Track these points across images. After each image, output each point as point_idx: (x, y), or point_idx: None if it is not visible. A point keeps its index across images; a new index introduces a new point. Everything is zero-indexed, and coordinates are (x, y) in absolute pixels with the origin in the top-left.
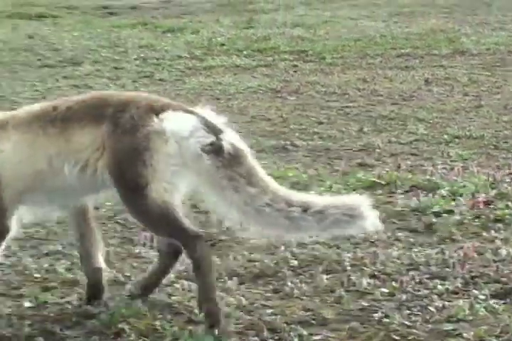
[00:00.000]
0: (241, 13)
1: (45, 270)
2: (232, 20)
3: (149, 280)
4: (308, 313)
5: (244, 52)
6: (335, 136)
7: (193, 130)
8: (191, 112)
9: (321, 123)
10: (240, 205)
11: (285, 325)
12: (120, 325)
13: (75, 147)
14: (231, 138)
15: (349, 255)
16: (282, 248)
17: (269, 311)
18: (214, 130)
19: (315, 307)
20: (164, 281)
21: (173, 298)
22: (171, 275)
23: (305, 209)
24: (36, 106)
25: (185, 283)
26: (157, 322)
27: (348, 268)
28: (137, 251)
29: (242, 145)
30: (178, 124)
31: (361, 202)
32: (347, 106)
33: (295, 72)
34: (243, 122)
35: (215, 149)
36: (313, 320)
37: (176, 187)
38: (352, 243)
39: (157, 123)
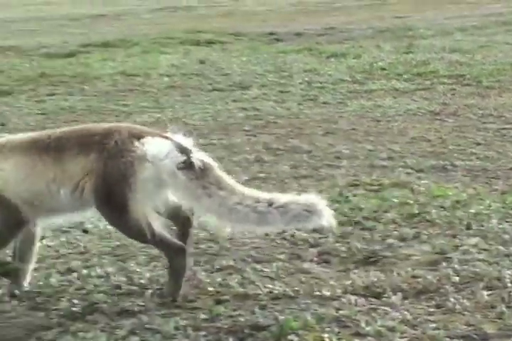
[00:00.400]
0: (400, 39)
1: (218, 284)
2: (392, 45)
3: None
4: (470, 328)
5: (404, 76)
6: (492, 156)
7: (168, 152)
8: (165, 137)
9: (478, 144)
10: (215, 208)
11: (448, 339)
12: (290, 337)
13: (68, 174)
14: (199, 156)
15: (509, 272)
16: (444, 264)
17: (432, 325)
18: (185, 150)
19: (476, 323)
20: (331, 295)
21: (340, 311)
22: (339, 291)
23: (270, 203)
24: (30, 135)
25: (352, 297)
26: (325, 335)
27: (509, 284)
28: (305, 266)
29: (209, 160)
30: (156, 148)
31: (319, 201)
32: (503, 128)
33: (453, 95)
34: (403, 143)
35: (188, 166)
36: (475, 335)
37: (155, 203)
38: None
39: (139, 147)
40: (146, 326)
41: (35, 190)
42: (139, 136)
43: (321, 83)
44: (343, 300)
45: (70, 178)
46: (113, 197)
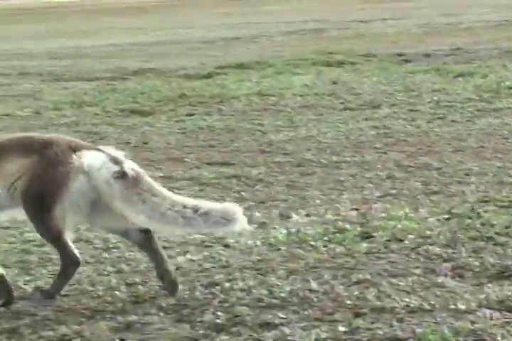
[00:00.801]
0: None
1: (356, 297)
2: None
3: (158, 270)
4: None
5: None
6: None
7: (103, 163)
8: (99, 150)
9: None
10: (148, 212)
11: None
12: None
13: (6, 173)
14: (131, 165)
15: None
16: None
17: None
18: (118, 161)
19: None
20: (466, 309)
21: (475, 325)
22: (474, 304)
23: (195, 210)
24: None
25: (487, 311)
26: None
27: None
28: (439, 280)
29: (139, 169)
30: (92, 160)
31: (237, 209)
32: None
33: None
34: None
35: (121, 175)
36: None
37: (78, 215)
38: None
39: (76, 159)
40: (288, 338)
41: None
42: (75, 149)
43: (449, 102)
44: (478, 313)
45: (5, 178)
46: (41, 200)
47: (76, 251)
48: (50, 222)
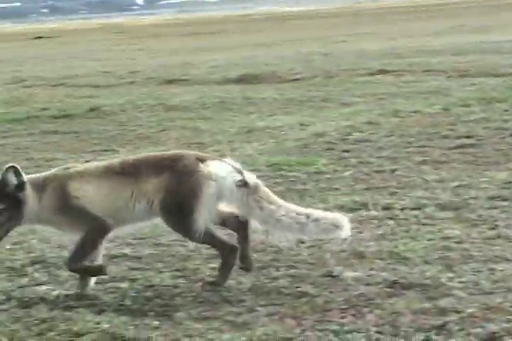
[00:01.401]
0: None
1: None
2: None
3: (242, 252)
4: None
5: None
6: None
7: (228, 172)
8: (222, 160)
9: None
10: (265, 218)
11: None
12: None
13: (143, 191)
14: (249, 175)
15: None
16: None
17: None
18: (240, 171)
19: None
20: None
21: None
22: None
23: (308, 216)
24: (102, 164)
25: None
26: None
27: None
28: None
29: (256, 179)
30: (218, 169)
31: (344, 218)
32: None
33: None
34: None
35: (243, 183)
36: None
37: (213, 213)
38: None
39: (204, 168)
40: None
41: (116, 207)
42: (201, 160)
43: None
44: None
45: (144, 195)
46: (180, 207)
47: (226, 239)
48: (194, 226)
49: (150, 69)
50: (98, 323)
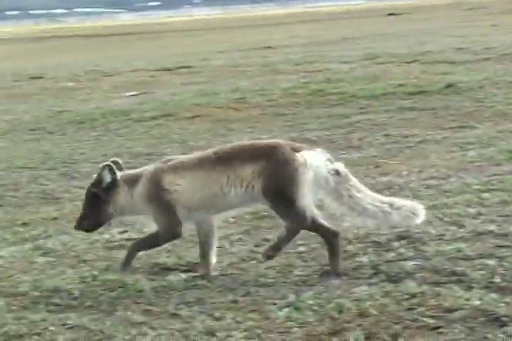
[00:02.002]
0: None
1: None
2: None
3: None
4: None
5: None
6: None
7: (322, 161)
8: (316, 151)
9: None
10: (352, 205)
11: None
12: None
13: (240, 177)
14: (340, 165)
15: None
16: None
17: None
18: (332, 161)
19: None
20: None
21: None
22: None
23: (391, 205)
24: (195, 156)
25: None
26: None
27: None
28: None
29: (346, 169)
30: (313, 158)
31: (420, 206)
32: None
33: None
34: None
35: (336, 172)
36: None
37: (313, 199)
38: None
39: (300, 158)
40: None
41: (210, 195)
42: (296, 149)
43: None
44: None
45: (241, 181)
46: (283, 194)
47: (328, 224)
48: (298, 211)
49: (504, 46)
50: (468, 299)
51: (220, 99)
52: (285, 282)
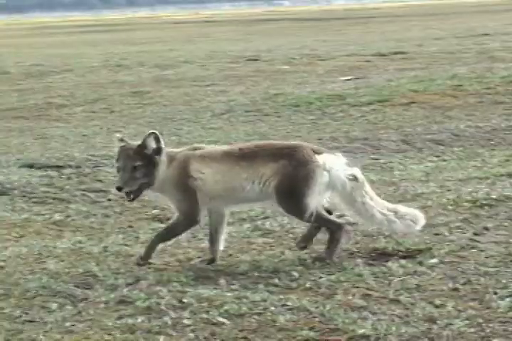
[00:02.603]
0: None
1: None
2: None
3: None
4: None
5: None
6: None
7: (341, 166)
8: (336, 155)
9: None
10: (362, 211)
11: None
12: None
13: (259, 174)
14: (357, 170)
15: None
16: None
17: None
18: (349, 165)
19: None
20: None
21: None
22: None
23: (395, 213)
24: (222, 148)
25: None
26: None
27: None
28: None
29: (362, 176)
30: (333, 162)
31: (421, 215)
32: None
33: None
34: None
35: (354, 177)
36: None
37: (322, 200)
38: None
39: (319, 160)
40: None
41: (230, 187)
42: (317, 152)
43: None
44: None
45: (260, 177)
46: (294, 192)
47: (335, 218)
48: (305, 209)
49: None
50: None
51: (436, 86)
52: (506, 271)
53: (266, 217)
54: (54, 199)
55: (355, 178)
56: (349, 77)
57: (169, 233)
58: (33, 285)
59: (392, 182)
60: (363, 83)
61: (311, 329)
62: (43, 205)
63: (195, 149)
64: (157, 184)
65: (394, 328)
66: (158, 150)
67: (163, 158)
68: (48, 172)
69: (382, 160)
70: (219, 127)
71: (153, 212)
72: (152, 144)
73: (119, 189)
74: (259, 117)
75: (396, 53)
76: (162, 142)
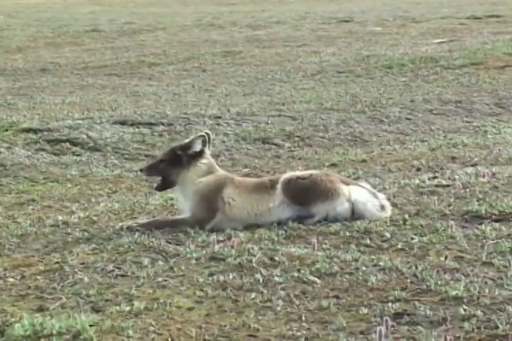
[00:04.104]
0: None
1: None
2: None
3: None
4: None
5: None
6: None
7: (368, 198)
8: (362, 186)
9: None
10: None
11: None
12: None
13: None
14: (384, 198)
15: None
16: None
17: None
18: (377, 196)
19: None
20: None
21: None
22: None
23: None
24: (254, 180)
25: None
26: None
27: None
28: None
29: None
30: (358, 194)
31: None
32: None
33: None
34: None
35: (381, 207)
36: None
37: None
38: None
39: (346, 190)
40: None
41: (257, 213)
42: (345, 183)
43: None
44: None
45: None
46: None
47: None
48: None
49: None
50: None
51: None
52: None
53: (357, 178)
54: (146, 156)
55: (382, 208)
56: (443, 40)
57: (172, 224)
58: (125, 241)
59: (485, 146)
60: (456, 46)
61: (403, 289)
62: (135, 162)
63: (233, 175)
64: (181, 185)
65: (487, 290)
66: (199, 153)
67: (201, 163)
68: (139, 130)
69: (475, 123)
70: (310, 87)
71: (244, 170)
72: (198, 146)
73: (140, 170)
74: (351, 78)
75: (491, 16)
76: (208, 146)
